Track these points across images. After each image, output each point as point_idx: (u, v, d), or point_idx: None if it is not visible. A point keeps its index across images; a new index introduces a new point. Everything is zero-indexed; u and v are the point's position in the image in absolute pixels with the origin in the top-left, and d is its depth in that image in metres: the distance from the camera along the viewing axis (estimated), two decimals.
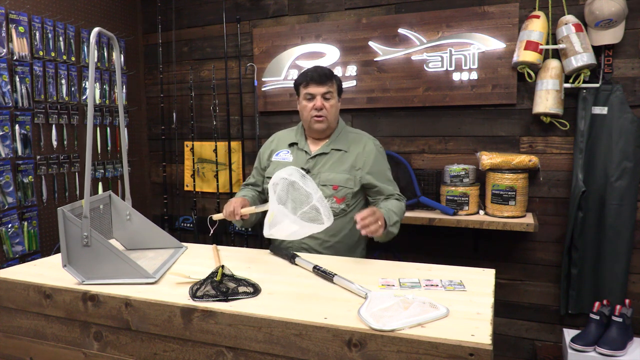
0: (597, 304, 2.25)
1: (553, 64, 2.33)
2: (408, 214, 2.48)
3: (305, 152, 1.90)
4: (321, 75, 1.84)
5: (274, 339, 1.10)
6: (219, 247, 1.75)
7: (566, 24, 2.28)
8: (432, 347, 0.97)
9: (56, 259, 1.58)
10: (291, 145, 1.95)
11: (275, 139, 2.03)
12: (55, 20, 2.61)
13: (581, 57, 2.24)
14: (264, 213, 1.99)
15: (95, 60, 2.88)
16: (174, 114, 3.21)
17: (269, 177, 1.91)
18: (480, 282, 1.32)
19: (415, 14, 2.61)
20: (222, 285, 1.27)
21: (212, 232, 1.81)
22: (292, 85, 2.01)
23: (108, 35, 1.53)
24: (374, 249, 2.81)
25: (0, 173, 2.32)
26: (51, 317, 1.36)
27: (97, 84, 2.91)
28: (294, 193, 1.47)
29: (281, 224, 1.42)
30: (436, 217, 2.41)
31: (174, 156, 3.29)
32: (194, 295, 1.24)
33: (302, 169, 1.49)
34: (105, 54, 2.97)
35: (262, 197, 2.01)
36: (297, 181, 1.46)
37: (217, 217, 1.78)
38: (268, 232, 1.47)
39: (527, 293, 2.58)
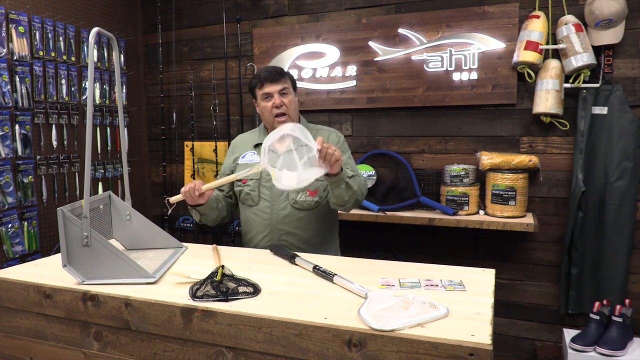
0: (597, 304, 2.25)
1: (553, 64, 2.33)
2: (408, 214, 2.49)
3: (272, 151, 1.90)
4: (274, 74, 1.85)
5: (274, 339, 1.10)
6: (219, 247, 1.75)
7: (566, 24, 2.28)
8: (432, 347, 0.97)
9: (56, 259, 1.58)
10: (256, 146, 1.94)
11: (237, 144, 2.02)
12: (55, 20, 2.61)
13: (581, 57, 2.24)
14: (228, 213, 1.99)
15: (95, 60, 2.88)
16: (174, 114, 3.22)
17: (238, 180, 1.91)
18: (480, 282, 1.32)
19: (415, 14, 2.61)
20: (222, 285, 1.27)
21: (169, 211, 1.80)
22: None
23: (107, 35, 1.53)
24: (374, 249, 2.81)
25: (0, 173, 2.32)
26: (51, 317, 1.36)
27: (97, 84, 2.91)
28: (297, 149, 1.50)
29: (285, 177, 1.48)
30: (436, 217, 2.41)
31: (174, 156, 3.29)
32: (194, 295, 1.24)
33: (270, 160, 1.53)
34: (105, 54, 2.98)
35: (229, 201, 2.00)
36: (299, 136, 1.48)
37: (174, 199, 1.73)
38: (280, 185, 1.50)
39: (527, 293, 2.59)
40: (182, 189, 1.73)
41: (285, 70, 1.94)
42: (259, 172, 1.57)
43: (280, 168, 1.49)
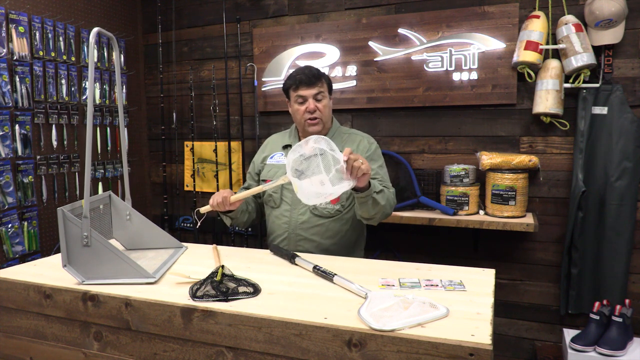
0: (597, 304, 2.25)
1: (553, 64, 2.33)
2: (408, 214, 2.49)
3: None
4: (310, 77, 1.80)
5: (274, 339, 1.10)
6: (219, 247, 1.75)
7: (566, 24, 2.28)
8: (432, 347, 0.97)
9: (56, 259, 1.58)
10: (285, 147, 1.92)
11: (269, 143, 2.01)
12: (55, 20, 2.61)
13: (581, 57, 2.24)
14: (257, 215, 1.99)
15: (95, 60, 2.88)
16: (174, 114, 3.22)
17: (264, 180, 1.90)
18: (480, 282, 1.32)
19: (415, 14, 2.61)
20: (222, 285, 1.27)
21: (198, 224, 1.79)
22: None
23: (108, 35, 1.53)
24: (374, 248, 2.81)
25: (0, 173, 2.32)
26: (51, 317, 1.36)
27: (97, 84, 2.91)
28: (324, 160, 1.42)
29: (311, 192, 1.40)
30: (436, 217, 2.41)
31: (174, 156, 3.29)
32: (194, 295, 1.24)
33: (297, 170, 1.48)
34: (105, 54, 2.97)
35: (258, 202, 2.00)
36: (324, 148, 1.41)
37: (204, 209, 1.74)
38: (309, 201, 1.42)
39: (527, 293, 2.59)
40: (211, 202, 1.71)
41: (321, 71, 1.87)
42: (284, 182, 1.49)
43: (307, 178, 1.41)
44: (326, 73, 2.79)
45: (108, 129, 3.02)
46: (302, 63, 2.84)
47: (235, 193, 1.75)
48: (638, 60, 2.29)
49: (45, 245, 2.60)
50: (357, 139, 1.90)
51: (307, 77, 1.80)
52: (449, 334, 0.99)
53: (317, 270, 1.40)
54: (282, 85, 1.95)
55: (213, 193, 3.10)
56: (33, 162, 2.50)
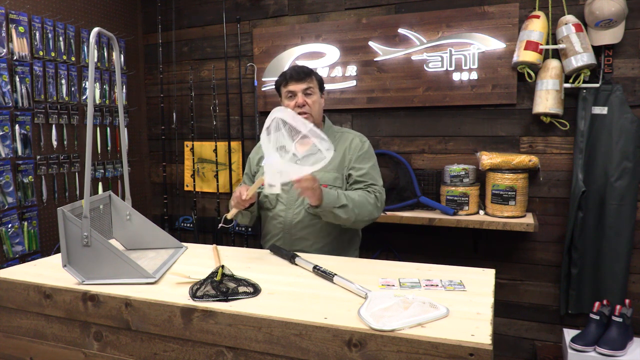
0: (597, 304, 2.25)
1: (553, 64, 2.33)
2: (408, 214, 2.49)
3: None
4: (299, 73, 1.83)
5: (274, 339, 1.10)
6: (219, 247, 1.75)
7: (566, 24, 2.28)
8: (432, 347, 0.97)
9: (56, 259, 1.58)
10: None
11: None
12: (55, 20, 2.61)
13: (581, 57, 2.24)
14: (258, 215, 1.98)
15: (95, 60, 2.88)
16: (174, 114, 3.22)
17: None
18: (480, 282, 1.32)
19: (415, 14, 2.61)
20: (222, 285, 1.27)
21: (221, 226, 1.77)
22: None
23: (108, 35, 1.53)
24: (374, 249, 2.81)
25: (0, 173, 2.32)
26: (51, 317, 1.36)
27: (97, 84, 2.91)
28: (290, 132, 1.45)
29: (288, 171, 1.42)
30: (436, 217, 2.41)
31: (174, 156, 3.29)
32: (194, 295, 1.24)
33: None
34: (105, 54, 2.97)
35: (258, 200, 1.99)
36: (288, 120, 1.44)
37: (231, 214, 1.72)
38: (273, 185, 1.43)
39: (527, 293, 2.59)
40: (233, 204, 1.71)
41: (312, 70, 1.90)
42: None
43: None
44: (326, 73, 2.81)
45: (108, 129, 3.02)
46: (302, 63, 2.84)
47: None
48: (638, 60, 2.29)
49: (45, 245, 2.60)
50: (349, 138, 1.90)
51: (297, 73, 1.84)
52: (449, 334, 0.99)
53: (317, 270, 1.40)
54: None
55: (213, 193, 3.14)
56: (33, 162, 2.50)
